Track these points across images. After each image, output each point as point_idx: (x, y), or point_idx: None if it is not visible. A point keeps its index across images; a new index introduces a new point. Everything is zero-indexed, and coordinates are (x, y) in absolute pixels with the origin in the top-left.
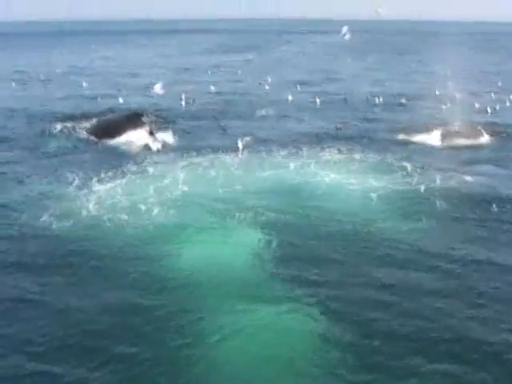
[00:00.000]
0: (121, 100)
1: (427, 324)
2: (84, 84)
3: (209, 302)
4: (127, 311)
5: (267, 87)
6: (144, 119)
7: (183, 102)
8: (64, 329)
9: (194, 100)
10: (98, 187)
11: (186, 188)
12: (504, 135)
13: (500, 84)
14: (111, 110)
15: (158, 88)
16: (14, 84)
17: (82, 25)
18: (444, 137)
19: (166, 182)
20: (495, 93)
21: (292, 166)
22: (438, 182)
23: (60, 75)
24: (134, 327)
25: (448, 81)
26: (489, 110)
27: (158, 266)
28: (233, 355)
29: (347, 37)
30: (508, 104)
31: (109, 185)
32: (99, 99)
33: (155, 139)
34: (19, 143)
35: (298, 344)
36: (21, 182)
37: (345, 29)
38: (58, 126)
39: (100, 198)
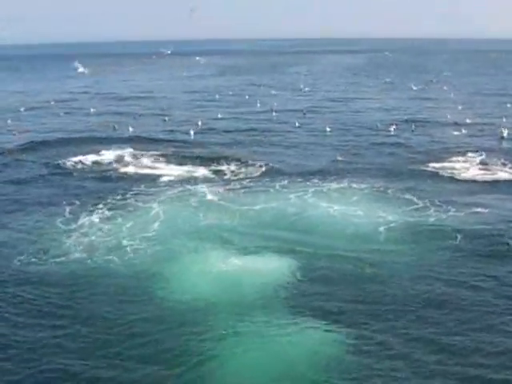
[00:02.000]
0: None
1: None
2: (92, 109)
3: (218, 322)
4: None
5: (275, 114)
6: None
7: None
8: None
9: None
10: None
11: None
12: None
13: (509, 106)
14: None
15: None
16: None
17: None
18: (457, 167)
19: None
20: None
21: (293, 196)
22: (450, 213)
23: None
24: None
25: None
26: (505, 135)
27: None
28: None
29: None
30: None
31: None
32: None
33: None
34: None
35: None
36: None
37: None
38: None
39: None
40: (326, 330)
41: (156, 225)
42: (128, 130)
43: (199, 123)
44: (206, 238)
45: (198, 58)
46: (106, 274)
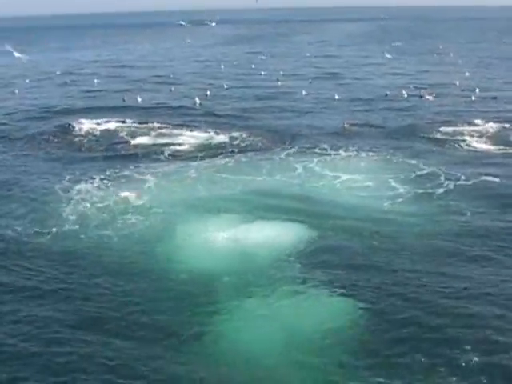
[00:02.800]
0: None
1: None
2: (96, 80)
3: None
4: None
5: (281, 83)
6: None
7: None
8: None
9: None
10: None
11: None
12: None
13: None
14: None
15: None
16: None
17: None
18: (469, 135)
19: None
20: None
21: (299, 166)
22: (460, 182)
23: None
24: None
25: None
26: None
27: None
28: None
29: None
30: None
31: None
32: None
33: None
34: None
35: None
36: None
37: None
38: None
39: None
40: (335, 300)
41: (156, 195)
42: (136, 100)
43: (208, 93)
44: (207, 208)
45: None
46: (102, 247)
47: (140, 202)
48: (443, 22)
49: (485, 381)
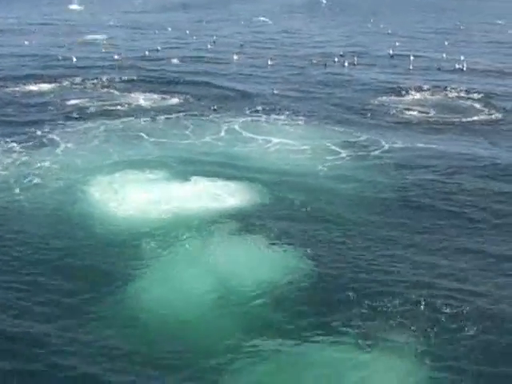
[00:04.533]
0: None
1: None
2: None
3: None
4: None
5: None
6: None
7: None
8: None
9: None
10: None
11: None
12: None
13: (446, 43)
14: None
15: None
16: None
17: None
18: (401, 102)
19: None
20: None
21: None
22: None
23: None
24: None
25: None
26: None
27: None
28: None
29: None
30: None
31: None
32: None
33: None
34: None
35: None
36: None
37: None
38: None
39: None
40: (271, 251)
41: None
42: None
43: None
44: (123, 169)
45: None
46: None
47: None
48: None
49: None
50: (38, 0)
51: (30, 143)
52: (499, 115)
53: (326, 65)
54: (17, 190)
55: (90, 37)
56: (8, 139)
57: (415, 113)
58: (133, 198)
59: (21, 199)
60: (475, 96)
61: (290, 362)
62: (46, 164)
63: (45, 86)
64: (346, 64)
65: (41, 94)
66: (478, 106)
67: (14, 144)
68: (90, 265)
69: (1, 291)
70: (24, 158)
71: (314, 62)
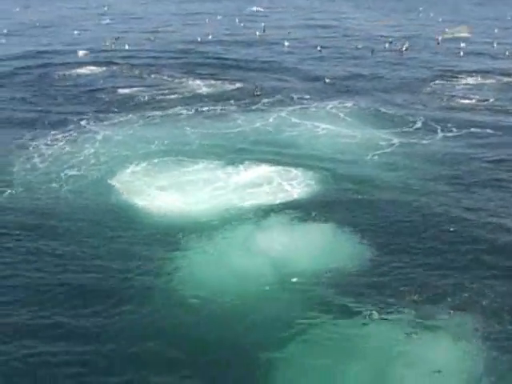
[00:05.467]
0: None
1: None
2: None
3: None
4: None
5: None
6: None
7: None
8: None
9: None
10: None
11: None
12: None
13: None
14: None
15: None
16: None
17: None
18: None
19: None
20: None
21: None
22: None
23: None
24: None
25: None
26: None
27: None
28: None
29: None
30: None
31: None
32: None
33: None
34: None
35: None
36: None
37: None
38: None
39: None
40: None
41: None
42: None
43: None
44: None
45: None
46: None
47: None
48: None
49: None
50: None
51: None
52: None
53: (373, 51)
54: (58, 181)
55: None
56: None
57: (471, 100)
58: (187, 184)
59: (62, 190)
60: None
61: (346, 342)
62: (95, 152)
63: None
64: (399, 49)
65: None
66: None
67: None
68: (145, 250)
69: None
70: (67, 148)
71: (360, 47)
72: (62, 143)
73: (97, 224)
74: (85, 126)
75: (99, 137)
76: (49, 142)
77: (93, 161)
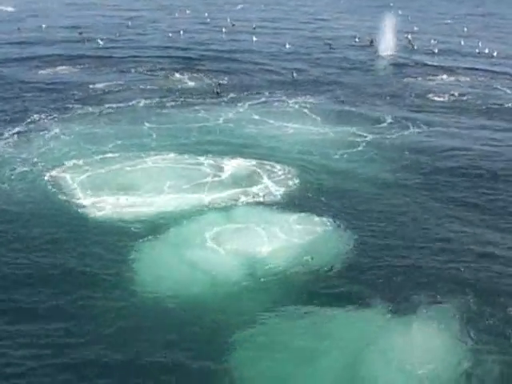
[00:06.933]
0: None
1: None
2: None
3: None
4: None
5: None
6: None
7: None
8: None
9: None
10: None
11: None
12: None
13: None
14: None
15: None
16: None
17: None
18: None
19: None
20: None
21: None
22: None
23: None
24: None
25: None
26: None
27: None
28: None
29: None
30: None
31: None
32: None
33: None
34: None
35: None
36: None
37: None
38: None
39: None
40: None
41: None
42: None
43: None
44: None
45: None
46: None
47: None
48: None
49: None
50: None
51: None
52: None
53: (330, 45)
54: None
55: None
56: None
57: (442, 97)
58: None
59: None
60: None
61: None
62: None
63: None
64: (368, 42)
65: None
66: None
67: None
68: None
69: None
70: (16, 145)
71: (329, 43)
72: (12, 140)
73: (47, 226)
74: (39, 121)
75: (52, 133)
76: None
77: (42, 157)
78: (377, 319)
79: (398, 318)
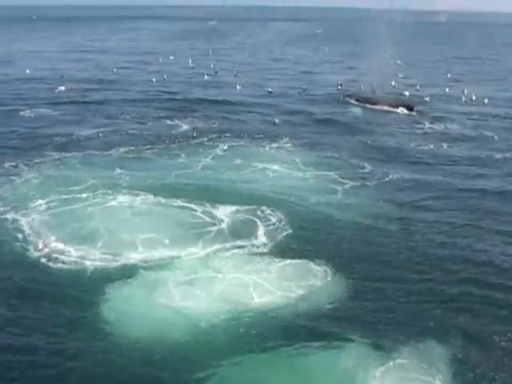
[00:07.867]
0: None
1: None
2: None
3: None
4: None
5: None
6: None
7: None
8: None
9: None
10: None
11: None
12: None
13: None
14: None
15: None
16: None
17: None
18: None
19: None
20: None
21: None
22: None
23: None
24: None
25: None
26: None
27: None
28: None
29: None
30: None
31: None
32: None
33: None
34: None
35: None
36: None
37: None
38: None
39: None
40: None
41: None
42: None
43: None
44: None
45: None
46: None
47: None
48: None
49: None
50: None
51: None
52: None
53: (304, 90)
54: None
55: None
56: None
57: (424, 145)
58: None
59: None
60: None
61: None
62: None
63: None
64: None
65: None
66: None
67: None
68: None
69: None
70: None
71: (306, 88)
72: None
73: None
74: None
75: (23, 178)
76: None
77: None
78: (358, 357)
79: (379, 357)
